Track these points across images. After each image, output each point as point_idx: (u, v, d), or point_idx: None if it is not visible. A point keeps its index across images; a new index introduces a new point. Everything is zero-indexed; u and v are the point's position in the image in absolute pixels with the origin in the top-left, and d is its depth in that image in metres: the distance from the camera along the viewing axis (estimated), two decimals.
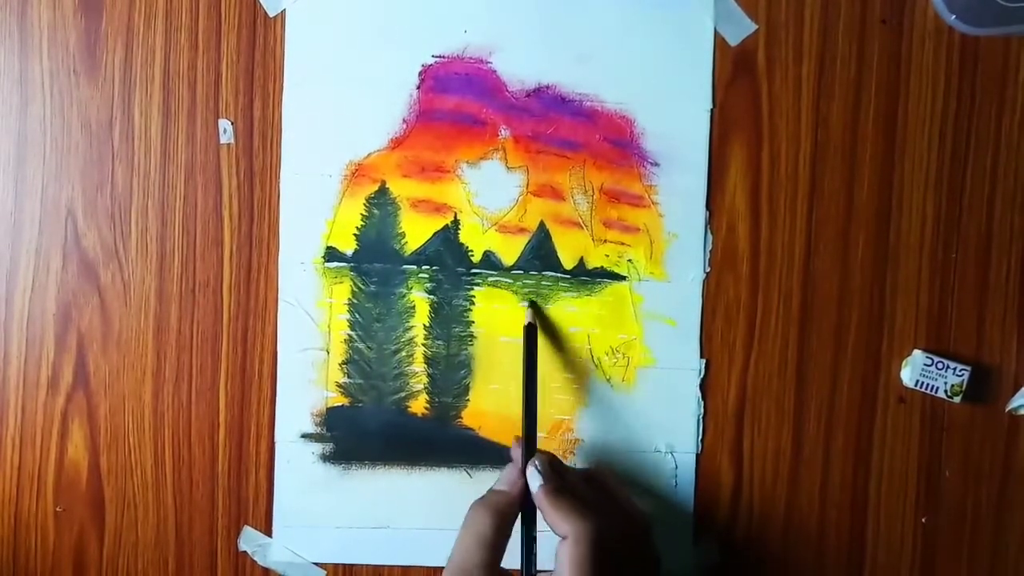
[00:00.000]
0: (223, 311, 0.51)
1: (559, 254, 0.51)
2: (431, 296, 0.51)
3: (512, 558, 0.44)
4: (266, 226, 0.51)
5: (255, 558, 0.52)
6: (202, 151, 0.51)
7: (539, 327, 0.50)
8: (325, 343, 0.51)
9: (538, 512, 0.44)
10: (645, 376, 0.51)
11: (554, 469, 0.45)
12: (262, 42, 0.51)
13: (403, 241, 0.51)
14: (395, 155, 0.51)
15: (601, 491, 0.47)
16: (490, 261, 0.51)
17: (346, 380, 0.51)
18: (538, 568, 0.44)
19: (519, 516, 0.45)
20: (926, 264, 0.51)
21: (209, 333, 0.51)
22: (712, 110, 0.51)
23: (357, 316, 0.51)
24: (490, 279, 0.51)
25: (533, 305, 0.51)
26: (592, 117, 0.51)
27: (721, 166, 0.51)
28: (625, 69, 0.51)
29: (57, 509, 0.52)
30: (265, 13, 0.51)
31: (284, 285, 0.51)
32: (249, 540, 0.52)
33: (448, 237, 0.51)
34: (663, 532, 0.51)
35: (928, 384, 0.50)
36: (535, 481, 0.44)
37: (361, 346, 0.51)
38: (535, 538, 0.44)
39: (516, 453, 0.47)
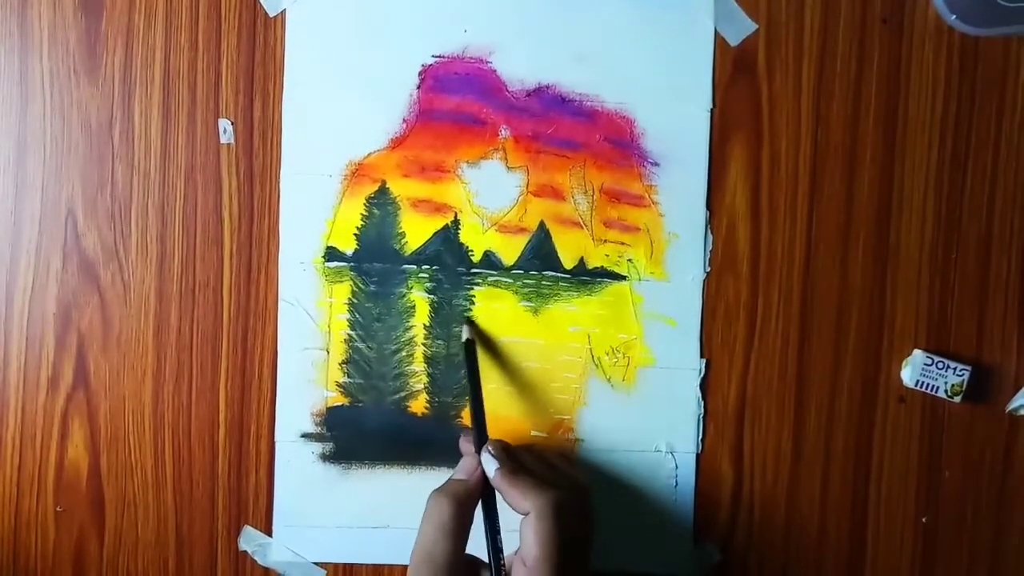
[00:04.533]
0: (223, 311, 0.51)
1: (559, 254, 0.51)
2: (431, 296, 0.51)
3: (475, 547, 0.44)
4: (266, 226, 0.51)
5: (255, 558, 0.52)
6: (202, 151, 0.51)
7: (478, 341, 0.50)
8: (325, 343, 0.51)
9: (498, 496, 0.44)
10: (645, 376, 0.51)
11: (507, 452, 0.46)
12: (262, 42, 0.51)
13: (403, 241, 0.51)
14: (395, 155, 0.51)
15: (549, 465, 0.48)
16: (490, 261, 0.51)
17: (346, 380, 0.51)
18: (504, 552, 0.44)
19: (479, 504, 0.45)
20: (926, 264, 0.51)
21: (209, 333, 0.51)
22: (712, 110, 0.51)
23: (357, 316, 0.51)
24: (490, 279, 0.51)
25: (469, 322, 0.51)
26: (592, 117, 0.51)
27: (721, 166, 0.51)
28: (625, 69, 0.51)
29: (57, 509, 0.52)
30: (265, 13, 0.51)
31: (284, 285, 0.51)
32: (249, 540, 0.52)
33: (448, 237, 0.51)
34: (663, 532, 0.51)
35: (928, 384, 0.50)
36: (491, 465, 0.44)
37: (361, 346, 0.51)
38: (498, 527, 0.44)
39: (467, 447, 0.48)
